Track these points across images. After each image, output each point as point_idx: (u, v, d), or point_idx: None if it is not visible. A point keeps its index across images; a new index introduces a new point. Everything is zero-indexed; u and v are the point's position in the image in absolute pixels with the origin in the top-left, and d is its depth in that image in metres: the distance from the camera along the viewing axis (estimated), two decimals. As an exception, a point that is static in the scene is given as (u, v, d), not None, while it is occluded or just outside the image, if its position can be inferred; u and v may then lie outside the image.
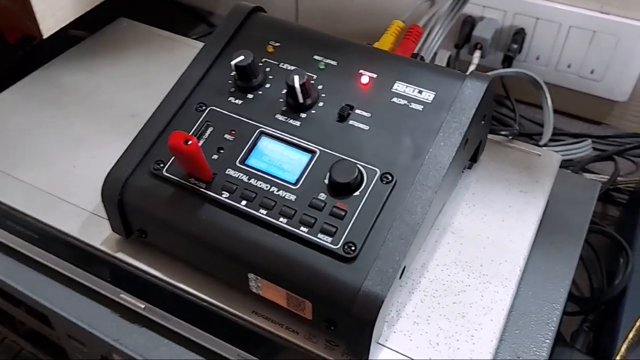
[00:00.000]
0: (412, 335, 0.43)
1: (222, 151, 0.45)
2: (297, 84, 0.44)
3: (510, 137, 0.56)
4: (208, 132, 0.46)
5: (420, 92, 0.45)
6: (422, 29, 0.53)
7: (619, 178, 0.69)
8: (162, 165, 0.45)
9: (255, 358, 0.45)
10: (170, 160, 0.45)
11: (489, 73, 0.73)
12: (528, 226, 0.49)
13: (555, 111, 0.72)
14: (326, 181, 0.43)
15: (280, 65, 0.49)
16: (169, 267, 0.47)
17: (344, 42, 0.49)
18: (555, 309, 0.47)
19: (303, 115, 0.46)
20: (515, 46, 0.75)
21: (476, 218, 0.49)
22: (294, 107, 0.46)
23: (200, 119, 0.47)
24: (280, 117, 0.46)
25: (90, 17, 0.67)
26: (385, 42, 0.52)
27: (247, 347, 0.45)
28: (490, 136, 0.54)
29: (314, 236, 0.41)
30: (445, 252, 0.47)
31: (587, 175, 0.70)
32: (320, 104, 0.46)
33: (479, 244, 0.48)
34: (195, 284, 0.46)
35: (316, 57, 0.48)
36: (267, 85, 0.48)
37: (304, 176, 0.43)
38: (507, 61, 0.76)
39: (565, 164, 0.68)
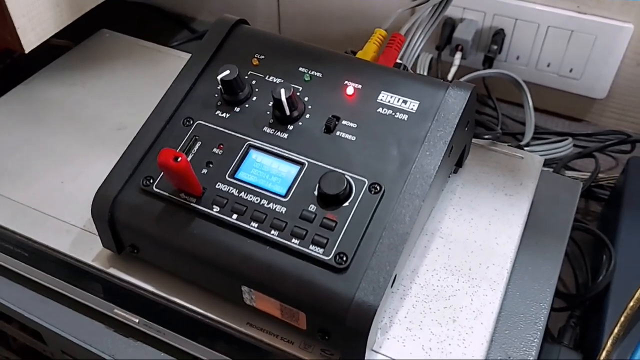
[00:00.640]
0: (405, 341, 0.43)
1: (211, 165, 0.46)
2: (283, 97, 0.45)
3: (493, 141, 0.57)
4: (196, 146, 0.47)
5: (405, 102, 0.46)
6: (404, 37, 0.53)
7: (600, 174, 0.71)
8: (151, 181, 0.46)
9: (251, 369, 0.46)
10: (160, 176, 0.46)
11: (471, 75, 0.75)
12: (514, 229, 0.50)
13: (536, 109, 0.74)
14: (316, 193, 0.43)
15: (266, 78, 0.49)
16: (162, 281, 0.47)
17: (329, 53, 0.50)
18: (542, 309, 0.48)
19: (290, 127, 0.47)
20: (495, 47, 0.76)
21: (463, 222, 0.50)
22: (281, 120, 0.47)
23: (188, 134, 0.47)
24: (267, 130, 0.47)
25: (72, 28, 0.67)
26: (369, 51, 0.52)
27: (243, 358, 0.46)
28: (474, 140, 0.54)
29: (305, 248, 0.41)
30: (435, 257, 0.48)
31: (569, 173, 0.72)
32: (307, 115, 0.47)
33: (467, 248, 0.49)
34: (189, 297, 0.46)
35: (301, 69, 0.49)
36: (254, 98, 0.48)
37: (294, 188, 0.44)
38: (488, 62, 0.77)
39: (547, 162, 0.69)
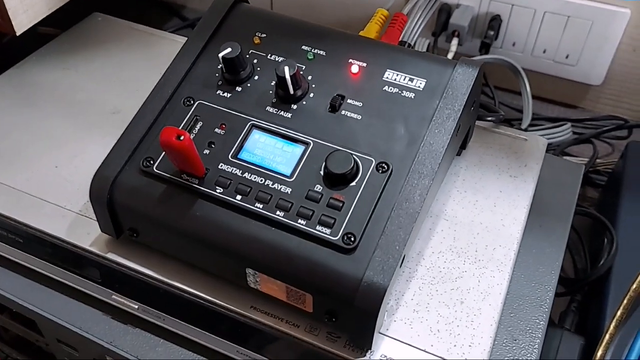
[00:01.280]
0: (412, 323, 0.43)
1: (213, 146, 0.45)
2: (287, 75, 0.44)
3: (497, 123, 0.56)
4: (198, 126, 0.46)
5: (411, 80, 0.45)
6: (407, 17, 0.53)
7: (597, 160, 0.71)
8: (152, 162, 0.44)
9: (255, 354, 0.45)
10: (161, 157, 0.44)
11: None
12: (519, 210, 0.49)
13: (533, 96, 0.73)
14: (322, 172, 0.42)
15: (268, 57, 0.48)
16: (162, 266, 0.46)
17: (332, 31, 0.49)
18: (547, 291, 0.48)
19: (294, 106, 0.46)
20: (491, 33, 0.75)
21: (468, 204, 0.50)
22: (284, 99, 0.46)
23: (189, 114, 0.46)
24: (270, 109, 0.46)
25: (63, 13, 0.65)
26: (371, 31, 0.52)
27: (247, 343, 0.45)
28: (477, 123, 0.54)
29: (312, 228, 0.41)
30: (440, 239, 0.47)
31: (566, 159, 0.71)
32: (311, 94, 0.46)
33: (472, 229, 0.48)
34: (190, 282, 0.45)
35: (304, 47, 0.48)
36: (256, 77, 0.47)
37: (299, 168, 0.43)
38: (484, 48, 0.77)
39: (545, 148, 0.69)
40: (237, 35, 0.49)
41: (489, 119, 0.55)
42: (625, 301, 0.50)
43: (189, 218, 0.43)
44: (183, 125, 0.46)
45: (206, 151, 0.44)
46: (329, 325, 0.42)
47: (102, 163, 0.45)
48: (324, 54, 0.48)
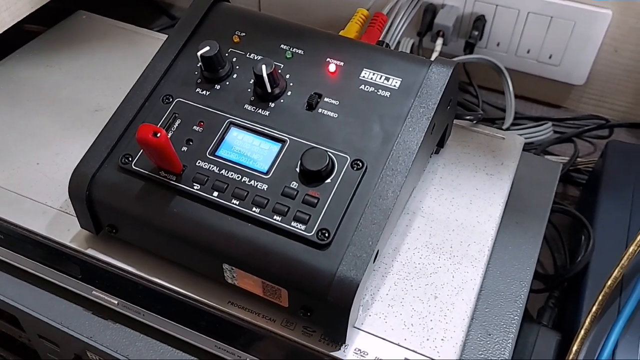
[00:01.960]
0: (387, 318, 0.43)
1: (191, 143, 0.45)
2: (264, 73, 0.44)
3: (475, 122, 0.57)
4: (176, 124, 0.46)
5: (387, 79, 0.46)
6: (387, 17, 0.53)
7: (578, 159, 0.72)
8: (130, 159, 0.45)
9: (233, 348, 0.45)
10: (139, 154, 0.45)
11: (453, 60, 0.75)
12: (495, 208, 0.50)
13: (516, 96, 0.74)
14: (297, 169, 0.43)
15: (247, 55, 0.49)
16: (141, 261, 0.46)
17: (311, 31, 0.50)
18: (522, 287, 0.49)
19: (272, 104, 0.46)
20: (476, 33, 0.76)
21: (445, 201, 0.50)
22: (262, 97, 0.46)
23: (168, 111, 0.47)
24: (248, 107, 0.46)
25: (47, 11, 0.66)
26: (351, 30, 0.52)
27: (225, 337, 0.45)
28: (455, 121, 0.55)
29: (287, 224, 0.41)
30: (416, 236, 0.48)
31: (548, 157, 0.72)
32: (289, 93, 0.46)
33: (448, 226, 0.49)
34: (169, 277, 0.46)
35: (283, 46, 0.48)
36: (234, 76, 0.48)
37: (275, 165, 0.44)
38: (469, 48, 0.77)
39: (527, 147, 0.70)
40: (217, 34, 0.50)
41: (468, 117, 0.56)
42: (600, 297, 0.51)
43: (167, 214, 0.43)
44: (162, 123, 0.46)
45: (184, 148, 0.45)
46: (304, 320, 0.43)
47: (81, 160, 0.46)
48: (302, 52, 0.48)
